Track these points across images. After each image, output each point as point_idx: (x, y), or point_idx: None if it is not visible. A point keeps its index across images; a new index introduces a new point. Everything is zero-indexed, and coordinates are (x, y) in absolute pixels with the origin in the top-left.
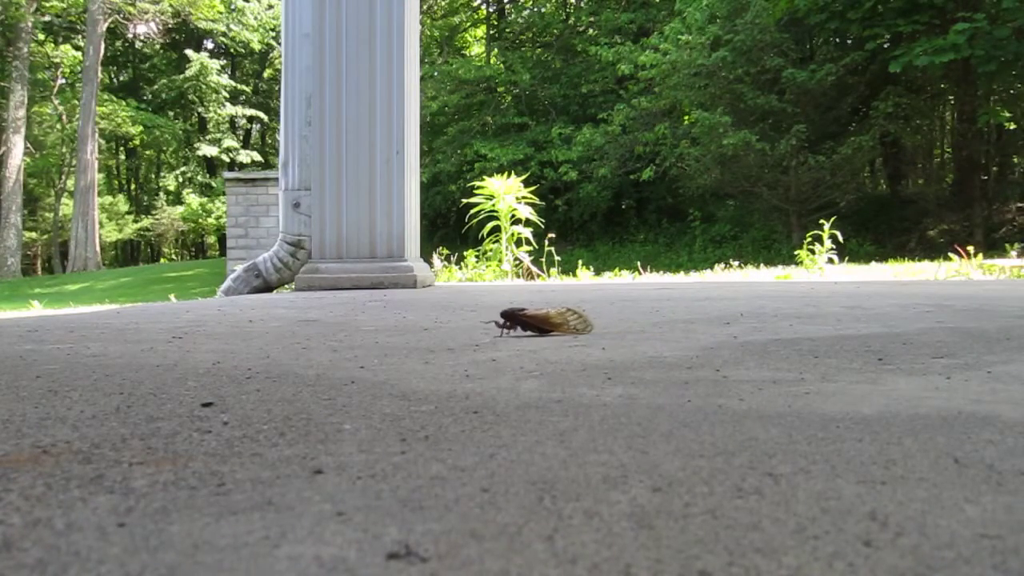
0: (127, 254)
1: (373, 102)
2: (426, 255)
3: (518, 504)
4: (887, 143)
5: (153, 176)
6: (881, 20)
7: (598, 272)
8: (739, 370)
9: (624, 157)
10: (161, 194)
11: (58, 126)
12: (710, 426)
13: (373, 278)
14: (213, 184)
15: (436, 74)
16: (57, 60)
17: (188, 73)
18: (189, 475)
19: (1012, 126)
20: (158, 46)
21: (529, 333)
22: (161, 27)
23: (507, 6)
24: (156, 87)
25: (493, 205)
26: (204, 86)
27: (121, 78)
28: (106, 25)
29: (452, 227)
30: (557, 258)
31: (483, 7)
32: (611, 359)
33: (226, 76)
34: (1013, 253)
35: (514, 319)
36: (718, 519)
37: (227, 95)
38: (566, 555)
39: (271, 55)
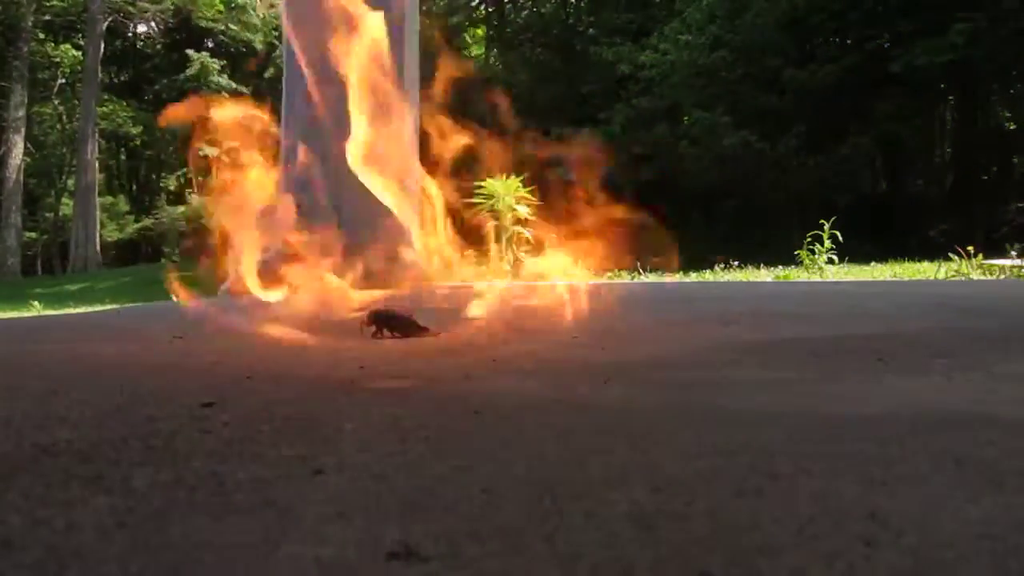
0: (128, 254)
1: None
2: None
3: (518, 504)
4: (887, 143)
5: (154, 176)
6: (881, 20)
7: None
8: (739, 370)
9: (624, 157)
10: (162, 194)
11: (58, 126)
12: (710, 426)
13: None
14: None
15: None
16: (57, 60)
17: (189, 73)
18: (189, 475)
19: (1012, 126)
20: (159, 46)
21: (396, 336)
22: (161, 26)
23: (506, 6)
24: (157, 87)
25: (493, 205)
26: (205, 86)
27: (121, 78)
28: (106, 24)
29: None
30: None
31: (482, 7)
32: (611, 359)
33: (226, 76)
34: (1013, 253)
35: (380, 323)
36: (718, 519)
37: (228, 95)
38: (566, 555)
39: (273, 55)
